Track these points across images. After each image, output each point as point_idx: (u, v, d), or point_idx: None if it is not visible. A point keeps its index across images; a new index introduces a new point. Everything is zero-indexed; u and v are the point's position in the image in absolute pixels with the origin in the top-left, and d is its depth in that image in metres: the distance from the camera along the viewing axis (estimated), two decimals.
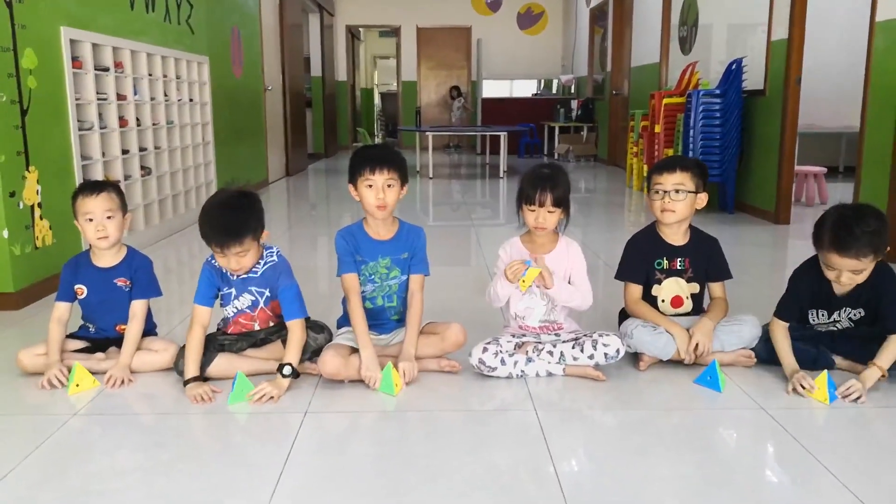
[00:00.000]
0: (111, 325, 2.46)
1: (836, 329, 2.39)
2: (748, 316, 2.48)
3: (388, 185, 2.28)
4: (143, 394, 2.27)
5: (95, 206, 2.34)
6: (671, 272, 2.49)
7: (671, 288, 2.49)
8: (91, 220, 2.34)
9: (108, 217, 2.35)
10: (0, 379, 2.37)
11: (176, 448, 1.90)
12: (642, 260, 2.50)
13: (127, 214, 2.44)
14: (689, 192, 2.43)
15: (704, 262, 2.52)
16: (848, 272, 2.17)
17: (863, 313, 2.32)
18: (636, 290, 2.50)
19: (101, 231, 2.34)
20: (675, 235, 2.50)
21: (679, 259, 2.49)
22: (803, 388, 2.18)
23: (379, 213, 2.30)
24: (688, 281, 2.50)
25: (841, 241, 2.14)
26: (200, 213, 2.27)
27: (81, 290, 2.40)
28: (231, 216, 2.21)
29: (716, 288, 2.54)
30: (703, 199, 2.48)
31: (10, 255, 3.14)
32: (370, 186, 2.28)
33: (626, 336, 2.39)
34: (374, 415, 2.12)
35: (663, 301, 2.50)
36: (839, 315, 2.34)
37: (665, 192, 2.43)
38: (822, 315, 2.37)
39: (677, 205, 2.42)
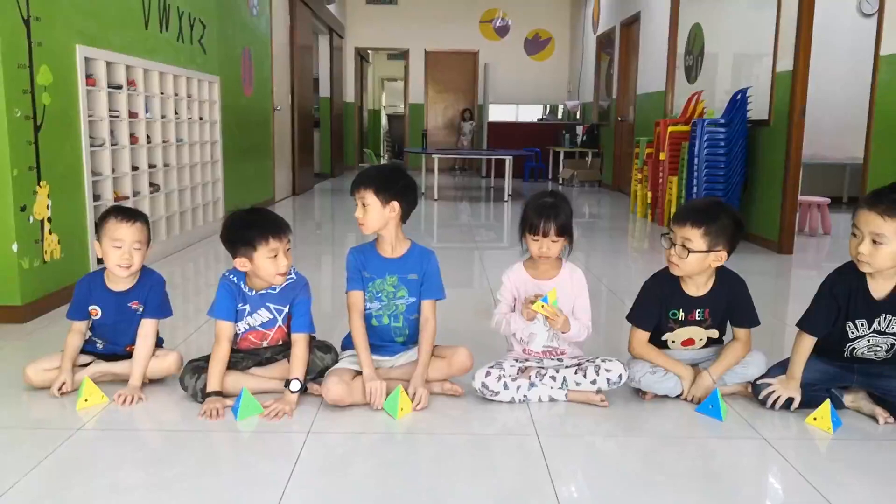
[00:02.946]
0: (122, 345, 2.46)
1: (874, 355, 2.20)
2: (755, 356, 2.37)
3: (364, 204, 2.32)
4: (148, 410, 2.28)
5: (126, 235, 2.31)
6: (688, 323, 2.36)
7: (685, 334, 2.39)
8: (119, 247, 2.31)
9: (136, 248, 2.34)
10: (6, 392, 2.38)
11: (179, 465, 1.91)
12: (656, 307, 2.36)
13: (150, 246, 2.42)
14: (697, 251, 2.23)
15: (725, 306, 2.35)
16: (868, 240, 2.03)
17: None
18: (643, 335, 2.38)
19: (125, 260, 2.32)
20: (695, 286, 2.34)
21: (698, 310, 2.34)
22: (775, 398, 2.24)
23: (363, 230, 2.36)
24: (706, 328, 2.38)
25: (876, 194, 2.05)
26: (234, 224, 2.30)
27: (96, 311, 2.40)
28: (273, 214, 2.36)
29: (739, 331, 2.37)
30: (719, 258, 2.26)
31: (19, 269, 3.17)
32: (356, 205, 2.35)
33: (632, 380, 2.36)
34: (376, 436, 2.12)
35: (673, 342, 2.42)
36: (881, 324, 2.15)
37: (673, 243, 2.27)
38: (862, 326, 2.17)
39: (682, 261, 2.26)
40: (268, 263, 2.27)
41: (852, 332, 2.20)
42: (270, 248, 2.26)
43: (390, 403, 2.23)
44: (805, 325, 2.23)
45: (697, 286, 2.35)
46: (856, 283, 2.16)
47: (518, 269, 2.45)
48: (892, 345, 2.19)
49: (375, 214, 2.33)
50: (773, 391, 2.26)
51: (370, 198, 2.31)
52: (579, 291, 2.41)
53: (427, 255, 2.44)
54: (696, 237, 2.23)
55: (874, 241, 2.04)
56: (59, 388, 2.30)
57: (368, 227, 2.35)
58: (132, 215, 2.36)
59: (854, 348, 2.23)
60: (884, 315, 2.16)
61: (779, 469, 1.96)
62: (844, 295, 2.18)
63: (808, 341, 2.24)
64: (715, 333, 2.41)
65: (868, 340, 2.20)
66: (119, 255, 2.32)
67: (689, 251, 2.24)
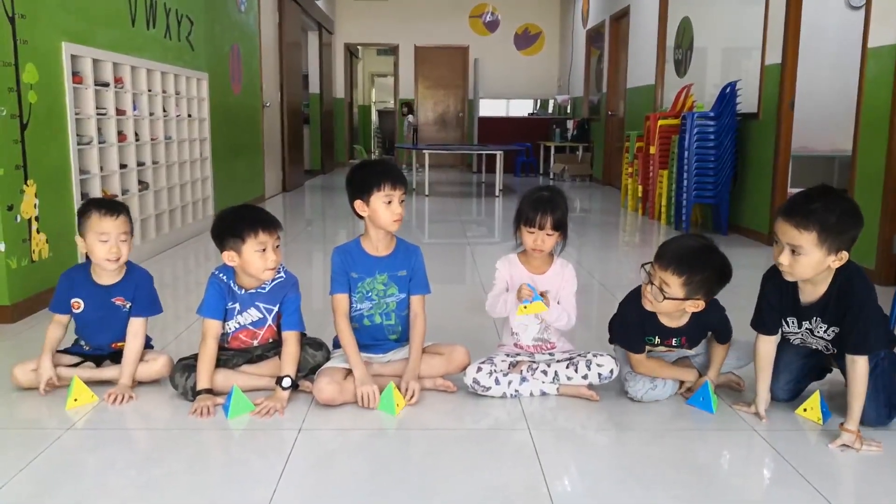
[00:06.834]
0: (107, 342, 2.45)
1: (818, 350, 2.21)
2: (739, 343, 2.39)
3: (402, 201, 2.34)
4: (138, 409, 2.27)
5: (112, 228, 2.31)
6: (664, 345, 2.33)
7: (662, 349, 2.37)
8: (105, 241, 2.30)
9: (123, 240, 2.34)
10: None
11: (169, 464, 1.90)
12: (635, 331, 2.29)
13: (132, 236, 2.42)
14: (673, 298, 2.14)
15: (702, 328, 2.31)
16: (788, 251, 1.97)
17: (838, 331, 2.09)
18: (640, 355, 2.31)
19: (114, 254, 2.32)
20: (669, 319, 2.26)
21: (675, 339, 2.30)
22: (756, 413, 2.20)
23: (396, 226, 2.34)
24: (683, 347, 2.37)
25: (791, 204, 1.99)
26: (224, 218, 2.32)
27: (78, 304, 2.39)
28: (264, 211, 2.37)
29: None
30: (696, 305, 2.17)
31: (7, 269, 3.15)
32: (390, 202, 2.30)
33: (635, 398, 2.31)
34: (367, 432, 2.12)
35: (650, 352, 2.38)
36: (812, 325, 2.12)
37: (651, 281, 2.17)
38: (793, 324, 2.16)
39: (657, 304, 2.17)
40: (256, 257, 2.26)
41: (785, 328, 2.21)
42: (259, 240, 2.25)
43: (385, 402, 2.22)
44: (755, 325, 2.22)
45: (672, 318, 2.27)
46: (785, 285, 2.12)
47: (514, 259, 2.44)
48: (828, 348, 2.14)
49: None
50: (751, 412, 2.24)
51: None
52: (566, 285, 2.42)
53: (414, 251, 2.44)
54: (675, 285, 2.12)
55: (793, 252, 1.98)
56: (45, 385, 2.29)
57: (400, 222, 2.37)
58: (115, 208, 2.36)
59: (790, 339, 2.24)
60: (814, 317, 2.11)
61: (769, 460, 1.97)
62: (776, 295, 2.16)
63: (764, 342, 2.20)
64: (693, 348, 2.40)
65: (800, 338, 2.20)
66: (106, 248, 2.31)
67: (665, 296, 2.15)
